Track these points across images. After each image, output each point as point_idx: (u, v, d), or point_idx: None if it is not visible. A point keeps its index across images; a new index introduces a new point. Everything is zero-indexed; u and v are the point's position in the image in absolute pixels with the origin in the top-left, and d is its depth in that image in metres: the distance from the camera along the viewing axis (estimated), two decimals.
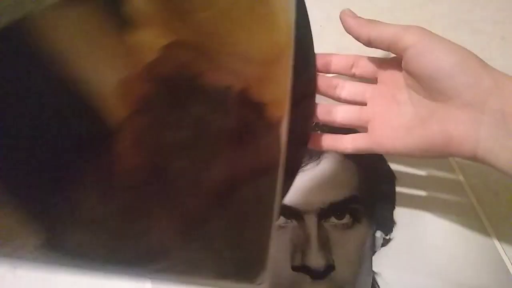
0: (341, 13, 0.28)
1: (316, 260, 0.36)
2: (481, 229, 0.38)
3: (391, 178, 0.41)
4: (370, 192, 0.40)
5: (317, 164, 0.41)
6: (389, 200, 0.40)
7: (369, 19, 0.27)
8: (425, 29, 0.25)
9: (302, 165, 0.41)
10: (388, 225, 0.38)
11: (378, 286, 0.36)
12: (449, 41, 0.24)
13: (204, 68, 0.20)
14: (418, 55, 0.24)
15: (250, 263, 0.20)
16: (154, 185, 0.19)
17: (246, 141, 0.22)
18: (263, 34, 0.22)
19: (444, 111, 0.24)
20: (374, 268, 0.37)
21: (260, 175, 0.21)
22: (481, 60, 0.24)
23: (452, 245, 0.37)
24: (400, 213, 0.39)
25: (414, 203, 0.40)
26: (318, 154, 0.42)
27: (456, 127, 0.23)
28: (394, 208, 0.39)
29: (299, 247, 0.37)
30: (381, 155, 0.42)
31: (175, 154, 0.20)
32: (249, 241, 0.21)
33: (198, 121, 0.20)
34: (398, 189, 0.40)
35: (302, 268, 0.36)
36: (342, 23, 0.27)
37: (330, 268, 0.36)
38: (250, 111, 0.22)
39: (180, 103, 0.20)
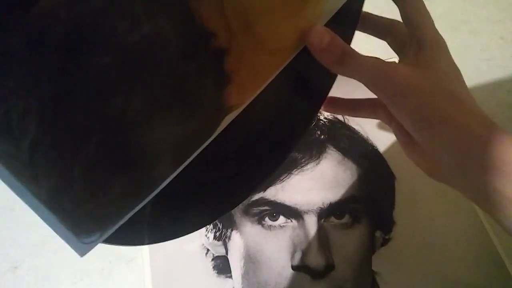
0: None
1: (316, 259, 0.36)
2: (481, 229, 0.38)
3: (391, 178, 0.41)
4: (370, 192, 0.40)
5: (317, 164, 0.41)
6: (388, 200, 0.40)
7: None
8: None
9: (303, 162, 0.41)
10: (387, 225, 0.39)
11: (378, 285, 0.36)
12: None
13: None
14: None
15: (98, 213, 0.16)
16: None
17: (184, 99, 0.17)
18: (283, 18, 0.19)
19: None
20: (374, 268, 0.37)
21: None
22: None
23: (452, 245, 0.37)
24: (400, 213, 0.39)
25: (414, 203, 0.40)
26: (318, 154, 0.42)
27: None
28: (394, 208, 0.40)
29: (299, 247, 0.37)
30: (381, 155, 0.42)
31: None
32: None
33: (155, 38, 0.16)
34: (397, 189, 0.40)
35: (302, 268, 0.36)
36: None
37: (329, 267, 0.36)
38: (211, 74, 0.17)
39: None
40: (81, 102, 0.15)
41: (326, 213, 0.38)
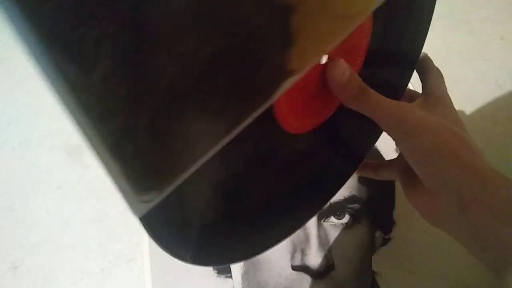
0: None
1: (316, 259, 0.36)
2: None
3: None
4: (370, 192, 0.40)
5: None
6: (388, 200, 0.40)
7: None
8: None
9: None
10: (387, 225, 0.39)
11: (378, 285, 0.36)
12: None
13: None
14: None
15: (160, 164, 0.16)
16: None
17: (243, 55, 0.17)
18: None
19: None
20: (374, 268, 0.37)
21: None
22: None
23: (452, 245, 0.37)
24: (400, 213, 0.39)
25: None
26: None
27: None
28: (394, 208, 0.40)
29: (299, 247, 0.37)
30: (381, 155, 0.42)
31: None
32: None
33: None
34: (397, 189, 0.40)
35: (302, 268, 0.36)
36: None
37: (330, 267, 0.36)
38: (278, 32, 0.17)
39: None
40: (154, 38, 0.14)
41: (326, 213, 0.38)
